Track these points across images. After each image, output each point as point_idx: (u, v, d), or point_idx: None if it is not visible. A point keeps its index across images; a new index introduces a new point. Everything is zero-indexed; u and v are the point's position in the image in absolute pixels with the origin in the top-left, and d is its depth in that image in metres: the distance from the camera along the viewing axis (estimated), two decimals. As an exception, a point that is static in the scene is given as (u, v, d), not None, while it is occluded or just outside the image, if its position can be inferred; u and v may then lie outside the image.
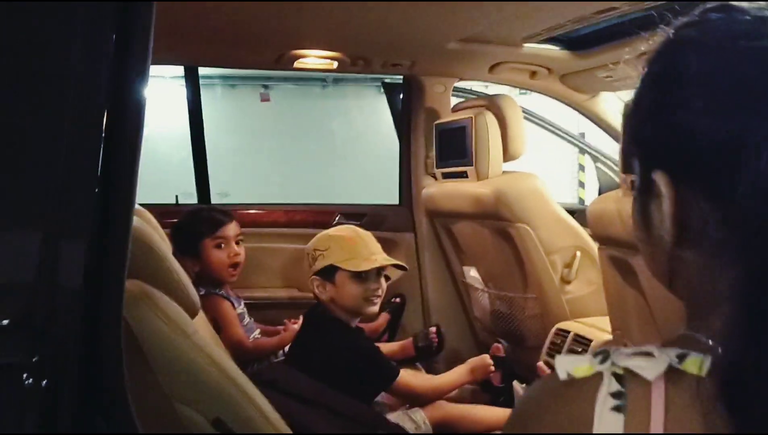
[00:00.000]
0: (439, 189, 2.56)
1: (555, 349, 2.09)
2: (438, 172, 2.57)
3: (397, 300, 2.65)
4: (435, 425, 1.70)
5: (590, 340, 1.98)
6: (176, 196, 2.45)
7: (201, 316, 1.80)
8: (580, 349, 2.00)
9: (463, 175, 2.40)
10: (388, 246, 2.79)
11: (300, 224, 2.68)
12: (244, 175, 5.91)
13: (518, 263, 2.29)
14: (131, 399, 0.77)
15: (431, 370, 2.48)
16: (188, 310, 1.00)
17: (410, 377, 1.76)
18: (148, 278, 0.97)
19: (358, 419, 1.41)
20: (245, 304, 2.27)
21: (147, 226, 1.05)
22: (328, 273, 1.72)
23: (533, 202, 2.21)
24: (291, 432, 0.95)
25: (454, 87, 2.82)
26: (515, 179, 2.27)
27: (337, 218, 2.74)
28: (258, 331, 2.23)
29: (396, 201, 2.89)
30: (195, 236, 2.13)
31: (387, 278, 2.77)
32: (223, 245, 2.15)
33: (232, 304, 2.14)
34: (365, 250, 1.74)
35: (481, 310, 2.60)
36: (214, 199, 2.65)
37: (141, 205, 2.32)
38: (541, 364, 1.93)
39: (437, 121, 2.58)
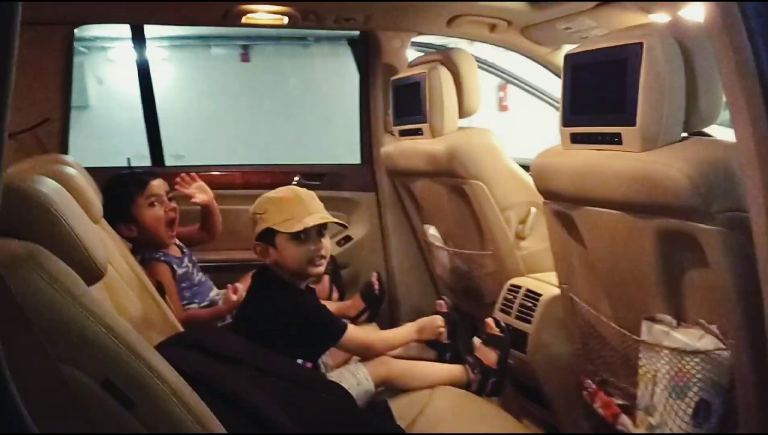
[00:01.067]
0: (397, 147, 2.52)
1: (507, 305, 2.09)
2: (395, 129, 2.53)
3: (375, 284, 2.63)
4: (378, 382, 1.70)
5: (540, 295, 1.98)
6: (128, 159, 2.40)
7: (143, 283, 1.78)
8: (530, 304, 2.00)
9: (418, 132, 2.36)
10: (349, 206, 2.79)
11: (257, 186, 2.64)
12: (207, 138, 5.79)
13: (474, 220, 2.27)
14: (6, 362, 0.75)
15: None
16: (88, 272, 0.97)
17: (358, 331, 1.75)
18: (46, 241, 0.94)
19: (289, 378, 1.40)
20: (203, 266, 2.25)
21: (54, 189, 1.01)
22: (268, 236, 1.69)
23: (486, 158, 2.18)
24: (192, 389, 0.93)
25: (424, 42, 2.77)
26: (469, 135, 2.23)
27: (296, 179, 2.71)
28: (215, 290, 2.22)
29: (359, 160, 2.85)
30: (125, 199, 2.09)
31: (348, 239, 2.78)
32: (156, 203, 2.10)
33: (171, 267, 2.11)
34: (303, 210, 1.69)
35: (442, 268, 2.59)
36: (168, 162, 2.61)
37: (90, 168, 2.30)
38: (489, 320, 1.94)
39: (393, 77, 2.53)
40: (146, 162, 2.58)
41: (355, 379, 1.67)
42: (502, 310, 2.10)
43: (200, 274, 2.19)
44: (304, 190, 1.74)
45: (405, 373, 1.73)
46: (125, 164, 2.42)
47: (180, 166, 2.59)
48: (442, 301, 2.02)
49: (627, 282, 1.49)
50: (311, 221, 1.67)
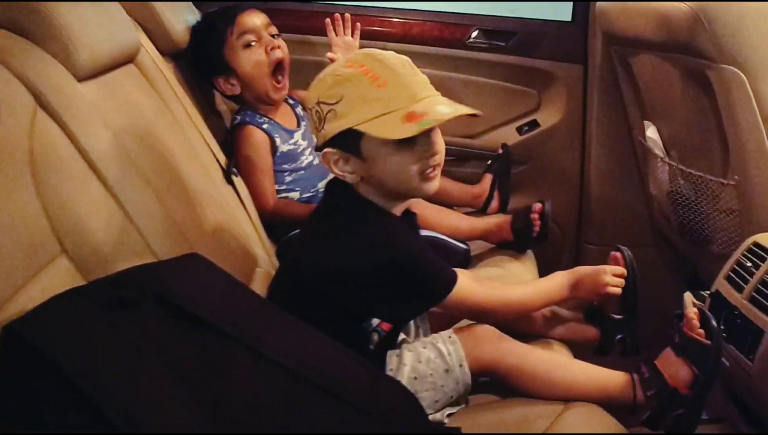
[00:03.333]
0: (618, 1, 1.68)
1: (741, 275, 1.30)
2: (619, -27, 1.69)
3: (499, 151, 1.94)
4: (479, 369, 1.10)
5: (801, 279, 1.17)
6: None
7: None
8: (774, 290, 1.20)
9: (651, -22, 1.51)
10: (543, 80, 2.04)
11: (419, 40, 2.00)
12: None
13: (718, 128, 1.45)
14: None
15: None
16: None
17: (473, 286, 1.12)
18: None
19: (308, 374, 0.85)
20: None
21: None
22: (349, 140, 1.04)
23: (756, 29, 1.31)
24: None
25: None
26: (733, -12, 1.35)
27: (473, 35, 2.01)
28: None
29: (567, 17, 2.04)
30: (215, 40, 1.60)
31: (533, 126, 2.03)
32: (254, 42, 1.60)
33: (271, 139, 1.62)
34: (403, 92, 1.02)
35: (658, 188, 1.80)
36: (314, -5, 2.04)
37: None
38: (690, 311, 1.19)
39: None
40: (286, -4, 2.05)
41: (443, 362, 1.09)
42: (730, 281, 1.32)
43: (314, 155, 1.68)
44: (393, 54, 1.06)
45: (526, 367, 1.10)
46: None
47: (327, 3, 2.03)
48: (618, 253, 1.29)
49: None
50: (428, 117, 0.99)
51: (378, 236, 1.09)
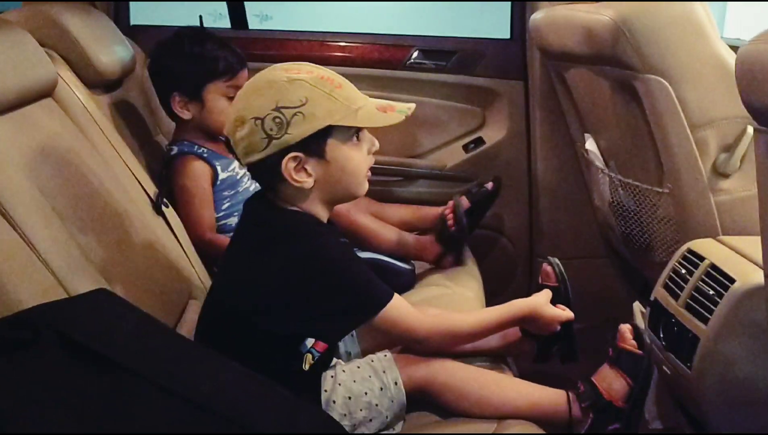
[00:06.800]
0: (548, 16, 1.70)
1: (676, 282, 1.29)
2: (549, -14, 1.71)
3: (489, 186, 1.85)
4: (413, 388, 1.08)
5: (732, 280, 1.16)
6: (200, 17, 1.88)
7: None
8: (712, 290, 1.19)
9: (577, -8, 1.53)
10: (485, 97, 2.04)
11: (360, 63, 2.00)
12: None
13: (649, 138, 1.45)
14: None
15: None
16: None
17: (406, 308, 1.09)
18: None
19: (217, 405, 0.83)
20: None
21: None
22: (315, 143, 1.04)
23: (676, 37, 1.33)
24: None
25: None
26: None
27: (413, 56, 2.01)
28: None
29: (505, 34, 2.05)
30: (201, 70, 1.58)
31: (479, 143, 2.02)
32: (234, 95, 1.58)
33: (213, 168, 1.60)
34: (356, 92, 1.08)
35: (601, 199, 1.80)
36: (252, 24, 2.03)
37: (154, 26, 1.81)
38: (623, 326, 1.19)
39: None
40: (224, 23, 2.04)
41: (378, 379, 1.07)
42: (667, 289, 1.31)
43: (251, 182, 1.66)
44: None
45: (458, 384, 1.08)
46: (196, 23, 1.89)
47: (265, 30, 2.03)
48: (548, 266, 1.28)
49: None
50: (397, 108, 1.08)
51: (310, 248, 1.07)
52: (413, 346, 1.15)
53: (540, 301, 1.20)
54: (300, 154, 1.04)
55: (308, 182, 1.06)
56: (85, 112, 1.34)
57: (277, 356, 1.07)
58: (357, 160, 1.08)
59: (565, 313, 1.20)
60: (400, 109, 1.09)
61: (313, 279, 1.05)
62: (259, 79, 1.06)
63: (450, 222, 1.67)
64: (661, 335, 1.30)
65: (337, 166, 1.06)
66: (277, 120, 1.02)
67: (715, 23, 1.35)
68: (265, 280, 1.06)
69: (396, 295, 1.10)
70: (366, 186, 1.12)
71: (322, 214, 1.11)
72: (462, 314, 1.23)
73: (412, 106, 1.10)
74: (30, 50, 1.20)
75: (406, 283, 1.62)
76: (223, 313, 1.11)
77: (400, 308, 1.10)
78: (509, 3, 2.01)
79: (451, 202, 1.72)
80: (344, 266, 1.08)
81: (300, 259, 1.06)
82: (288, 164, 1.04)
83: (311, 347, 1.10)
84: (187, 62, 1.58)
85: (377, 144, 1.12)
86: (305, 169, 1.05)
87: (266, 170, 1.06)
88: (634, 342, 1.14)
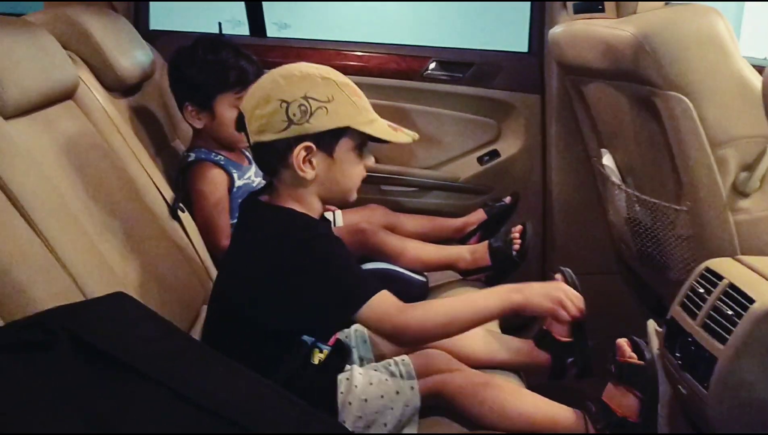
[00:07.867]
0: (567, 31, 1.70)
1: (694, 301, 1.28)
2: (569, 2, 1.70)
3: (507, 200, 1.90)
4: (427, 395, 1.07)
5: (752, 300, 1.15)
6: (219, 24, 1.89)
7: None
8: (731, 310, 1.18)
9: (597, 7, 1.53)
10: (501, 110, 2.04)
11: (377, 73, 2.00)
12: (319, 5, 4.44)
13: (668, 155, 1.45)
14: None
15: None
16: None
17: (397, 305, 1.06)
18: None
19: (225, 413, 0.82)
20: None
21: None
22: (328, 140, 1.09)
23: (699, 55, 1.32)
24: None
25: None
26: (674, 16, 1.37)
27: (430, 67, 2.01)
28: None
29: (523, 48, 2.05)
30: (213, 80, 1.58)
31: (494, 155, 2.02)
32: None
33: (229, 175, 1.60)
34: (369, 105, 1.14)
35: (616, 215, 1.79)
36: (271, 31, 2.04)
37: (172, 31, 1.82)
38: (620, 341, 1.18)
39: None
40: (243, 30, 2.05)
41: (394, 383, 1.06)
42: (684, 308, 1.30)
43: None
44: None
45: (475, 389, 1.07)
46: (216, 30, 1.90)
47: (283, 39, 2.03)
48: (560, 275, 1.27)
49: None
50: (405, 130, 1.16)
51: (298, 242, 1.09)
52: (400, 342, 1.13)
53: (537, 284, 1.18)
54: (312, 145, 1.08)
55: (310, 174, 1.10)
56: (105, 115, 1.34)
57: (279, 352, 1.09)
58: (358, 168, 1.15)
59: (555, 284, 1.19)
60: (407, 132, 1.15)
61: (299, 273, 1.07)
62: (293, 69, 1.10)
63: (516, 245, 1.63)
64: (678, 355, 1.29)
65: (340, 167, 1.12)
66: (303, 107, 1.06)
67: (734, 37, 1.35)
68: (257, 275, 1.10)
69: (385, 291, 1.08)
70: (355, 196, 1.18)
71: (316, 207, 1.15)
72: (450, 299, 1.25)
73: (416, 136, 1.15)
74: (53, 53, 1.21)
75: (417, 294, 1.61)
76: (223, 311, 1.14)
77: (388, 303, 1.06)
78: (528, 17, 2.01)
79: (519, 226, 1.66)
80: (330, 260, 1.10)
81: (287, 253, 1.09)
82: (300, 152, 1.08)
83: (317, 341, 1.11)
84: (200, 71, 1.58)
85: (373, 161, 1.18)
86: (311, 162, 1.09)
87: (274, 153, 1.10)
88: (633, 354, 1.13)
